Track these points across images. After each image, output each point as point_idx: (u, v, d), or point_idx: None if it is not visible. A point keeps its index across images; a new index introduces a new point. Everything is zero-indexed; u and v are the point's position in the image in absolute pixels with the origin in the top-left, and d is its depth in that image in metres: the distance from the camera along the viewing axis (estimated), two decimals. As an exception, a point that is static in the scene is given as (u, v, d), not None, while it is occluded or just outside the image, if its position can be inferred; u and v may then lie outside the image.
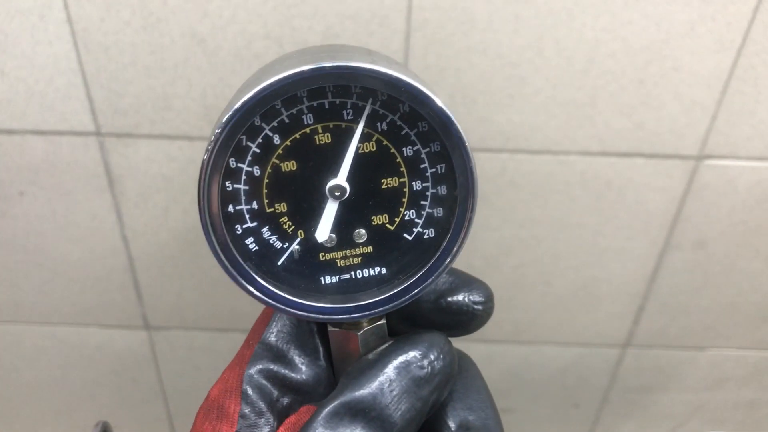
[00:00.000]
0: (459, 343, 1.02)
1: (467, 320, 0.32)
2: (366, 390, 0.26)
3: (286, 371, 0.31)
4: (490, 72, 0.77)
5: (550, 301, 0.99)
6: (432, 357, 0.27)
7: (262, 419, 0.29)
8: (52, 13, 0.74)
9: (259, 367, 0.30)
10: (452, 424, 0.29)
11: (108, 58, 0.76)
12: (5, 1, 0.73)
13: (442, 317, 0.31)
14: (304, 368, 0.31)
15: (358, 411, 0.26)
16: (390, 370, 0.26)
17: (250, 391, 0.29)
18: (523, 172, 0.85)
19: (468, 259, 0.95)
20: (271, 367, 0.30)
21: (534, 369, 1.08)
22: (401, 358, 0.26)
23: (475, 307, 0.31)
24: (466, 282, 0.32)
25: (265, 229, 0.27)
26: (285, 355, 0.31)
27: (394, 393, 0.26)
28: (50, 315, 1.01)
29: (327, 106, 0.27)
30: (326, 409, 0.26)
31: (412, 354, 0.27)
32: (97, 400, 1.11)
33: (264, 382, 0.29)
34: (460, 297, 0.31)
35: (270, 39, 0.75)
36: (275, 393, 0.29)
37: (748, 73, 0.77)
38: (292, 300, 0.27)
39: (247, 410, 0.29)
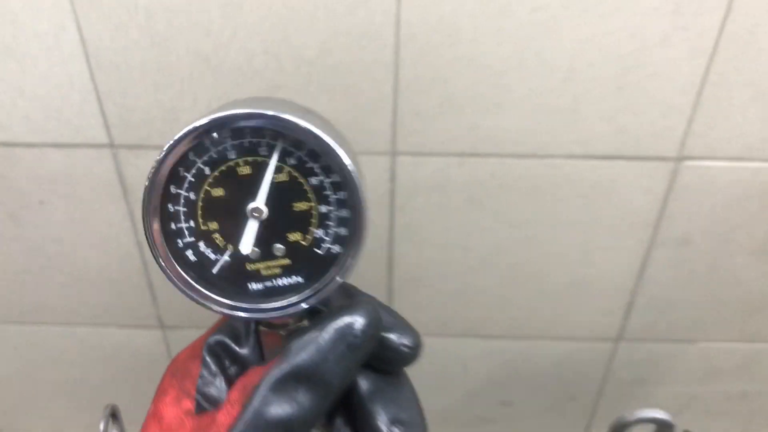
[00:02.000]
0: (455, 339, 1.07)
1: (392, 357, 0.36)
2: (307, 357, 0.31)
3: (236, 347, 0.36)
4: (476, 81, 0.82)
5: (543, 298, 1.03)
6: (364, 326, 0.32)
7: (216, 379, 0.34)
8: (67, 35, 0.80)
9: (217, 338, 0.35)
10: (386, 418, 0.34)
11: (119, 75, 0.82)
12: (23, 24, 0.79)
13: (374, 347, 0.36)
14: (248, 349, 0.37)
15: (300, 377, 0.31)
16: (328, 340, 0.31)
17: (208, 357, 0.35)
18: (512, 175, 0.90)
19: (464, 259, 1.00)
20: (226, 341, 0.35)
21: (530, 363, 1.13)
22: (338, 328, 0.31)
23: (402, 348, 0.35)
24: (402, 326, 0.37)
25: (201, 243, 0.32)
26: (239, 336, 0.37)
27: (332, 359, 0.31)
28: (70, 316, 1.07)
29: (246, 144, 0.33)
30: (273, 375, 0.31)
31: (347, 323, 0.32)
32: (115, 396, 1.17)
33: (219, 351, 0.35)
34: (392, 336, 0.36)
35: (269, 54, 0.80)
36: (227, 362, 0.35)
37: (720, 79, 0.81)
38: (225, 302, 0.33)
39: (205, 372, 0.34)
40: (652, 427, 0.75)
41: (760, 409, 1.20)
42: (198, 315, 1.05)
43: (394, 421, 0.34)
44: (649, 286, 1.02)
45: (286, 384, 0.31)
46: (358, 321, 0.32)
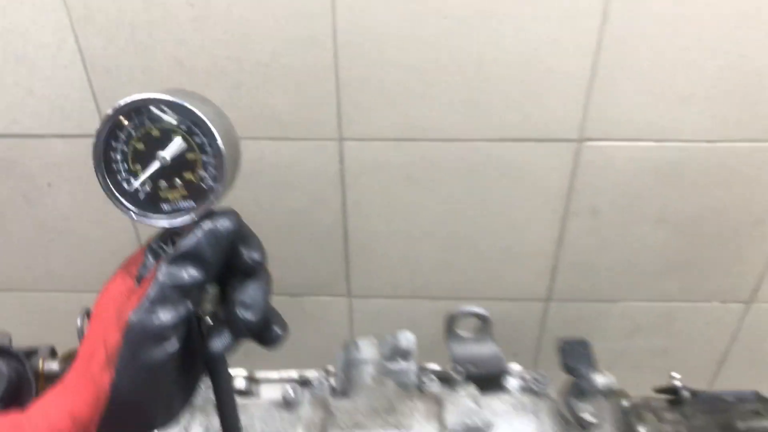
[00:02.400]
0: (405, 301, 1.22)
1: (245, 264, 0.50)
2: (190, 243, 0.47)
3: (165, 247, 0.52)
4: (404, 78, 0.99)
5: (478, 263, 1.20)
6: (226, 222, 0.48)
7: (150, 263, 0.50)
8: (67, 45, 0.98)
9: (154, 242, 0.51)
10: (235, 301, 0.50)
11: (110, 77, 1.00)
12: (31, 37, 0.97)
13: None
14: (170, 248, 0.53)
15: (187, 256, 0.48)
16: (204, 230, 0.48)
17: (148, 253, 0.51)
18: (441, 157, 1.07)
19: (408, 230, 1.16)
20: (159, 243, 0.52)
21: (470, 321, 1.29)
22: (210, 226, 0.48)
23: (248, 260, 0.50)
24: (255, 243, 0.51)
25: (131, 178, 0.49)
26: (165, 241, 0.52)
27: (206, 243, 0.47)
28: (76, 283, 1.26)
29: (156, 116, 0.49)
30: (170, 257, 0.48)
31: (216, 220, 0.48)
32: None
33: (155, 248, 0.51)
34: (243, 249, 0.50)
35: (231, 59, 0.98)
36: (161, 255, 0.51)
37: (608, 73, 0.97)
38: (149, 216, 0.49)
39: (146, 262, 0.51)
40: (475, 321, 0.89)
41: (680, 364, 1.36)
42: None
43: (239, 304, 0.50)
44: (568, 252, 1.18)
45: (178, 262, 0.47)
46: (222, 219, 0.49)
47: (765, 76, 0.97)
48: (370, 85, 0.99)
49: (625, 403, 0.88)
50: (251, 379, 0.67)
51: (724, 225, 1.13)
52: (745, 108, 1.01)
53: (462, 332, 0.66)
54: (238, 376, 0.66)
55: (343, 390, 0.63)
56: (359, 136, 1.05)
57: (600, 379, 0.68)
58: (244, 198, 1.12)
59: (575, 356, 0.64)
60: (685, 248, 1.17)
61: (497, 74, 0.98)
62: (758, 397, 0.90)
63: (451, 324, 0.65)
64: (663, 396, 0.92)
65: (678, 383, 0.92)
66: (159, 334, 0.45)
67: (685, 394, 0.90)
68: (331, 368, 0.72)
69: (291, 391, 0.61)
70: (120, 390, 0.45)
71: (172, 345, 0.46)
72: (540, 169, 1.07)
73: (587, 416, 0.59)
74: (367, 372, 0.65)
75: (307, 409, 0.61)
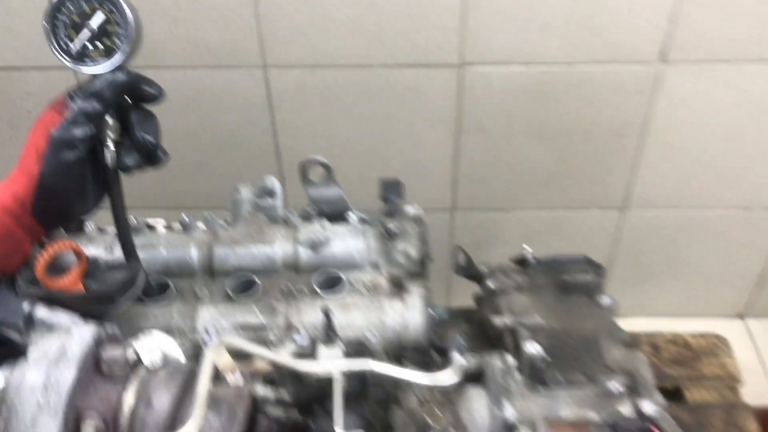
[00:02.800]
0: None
1: (144, 95, 0.72)
2: (96, 86, 0.69)
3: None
4: (313, 12, 1.21)
5: (387, 174, 1.42)
6: (121, 76, 0.70)
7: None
8: (37, -10, 1.21)
9: (73, 88, 0.73)
10: (136, 129, 0.72)
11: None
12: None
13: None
14: None
15: (93, 94, 0.69)
16: (106, 79, 0.69)
17: (69, 96, 0.74)
18: (347, 82, 1.29)
19: (330, 148, 1.39)
20: (76, 89, 0.73)
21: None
22: (110, 76, 0.70)
23: (148, 93, 0.72)
24: (153, 84, 0.72)
25: (68, 41, 0.71)
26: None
27: (107, 87, 0.69)
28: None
29: None
30: (82, 95, 0.70)
31: (115, 75, 0.70)
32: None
33: (73, 93, 0.73)
34: (146, 86, 0.72)
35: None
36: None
37: (475, 3, 1.19)
38: (78, 66, 0.71)
39: (69, 101, 0.73)
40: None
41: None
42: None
43: (140, 130, 0.72)
44: (464, 165, 1.40)
45: (87, 98, 0.68)
46: (119, 72, 0.70)
47: (611, 5, 1.18)
48: (287, 18, 1.22)
49: (485, 267, 1.11)
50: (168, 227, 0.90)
51: (590, 139, 1.35)
52: (595, 34, 1.22)
53: (314, 179, 0.88)
54: (159, 220, 0.88)
55: (231, 224, 0.86)
56: (281, 64, 1.28)
57: (410, 209, 0.90)
58: (189, 120, 1.34)
59: (389, 190, 0.85)
60: (561, 160, 1.39)
61: (387, 6, 1.19)
62: (586, 260, 1.12)
63: (304, 172, 0.87)
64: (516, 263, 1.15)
65: (528, 254, 1.14)
66: (70, 143, 0.68)
67: (531, 260, 1.13)
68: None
69: (185, 217, 0.84)
70: (45, 177, 0.68)
71: (79, 152, 0.69)
72: (431, 91, 1.29)
73: (392, 227, 0.81)
74: (245, 208, 0.88)
75: (199, 232, 0.84)
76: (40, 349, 0.62)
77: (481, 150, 1.38)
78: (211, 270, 0.81)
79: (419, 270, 0.83)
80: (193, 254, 0.81)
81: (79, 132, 0.68)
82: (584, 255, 1.13)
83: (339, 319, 0.73)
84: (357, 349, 0.72)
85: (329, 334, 0.70)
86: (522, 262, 1.14)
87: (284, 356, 0.67)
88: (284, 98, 1.32)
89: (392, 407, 0.87)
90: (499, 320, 1.02)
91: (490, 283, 1.10)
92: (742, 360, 1.59)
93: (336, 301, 0.76)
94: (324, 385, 0.74)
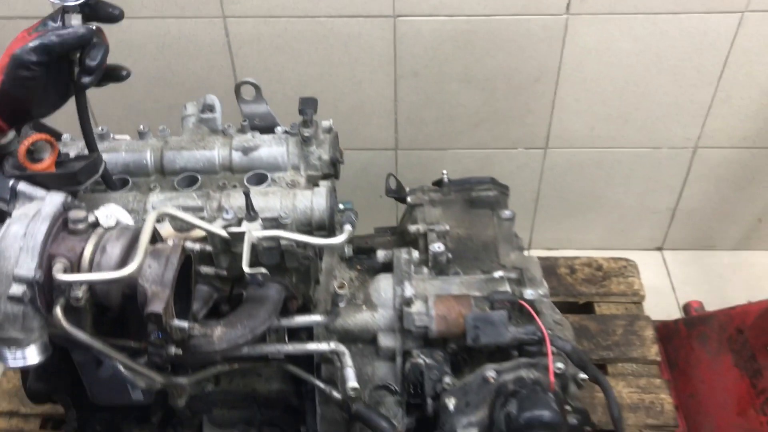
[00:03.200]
0: None
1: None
2: (60, 30, 0.87)
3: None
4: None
5: (337, 120, 1.61)
6: (78, 31, 0.88)
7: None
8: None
9: (44, 19, 0.91)
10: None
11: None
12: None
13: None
14: None
15: (55, 32, 0.87)
16: (69, 30, 0.88)
17: (41, 25, 0.91)
18: (297, 31, 1.47)
19: (283, 90, 1.57)
20: (47, 20, 0.91)
21: (343, 173, 1.71)
22: (71, 30, 0.88)
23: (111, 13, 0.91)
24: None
25: None
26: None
27: (65, 32, 0.87)
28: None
29: None
30: (49, 29, 0.88)
31: (76, 30, 0.88)
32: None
33: (45, 21, 0.91)
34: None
35: None
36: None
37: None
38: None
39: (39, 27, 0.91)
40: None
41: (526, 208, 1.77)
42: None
43: (87, 58, 0.89)
44: (403, 108, 1.59)
45: (50, 32, 0.86)
46: (76, 28, 0.87)
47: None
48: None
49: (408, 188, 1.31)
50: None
51: (512, 83, 1.54)
52: (509, -12, 1.41)
53: (247, 97, 1.06)
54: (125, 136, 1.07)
55: (180, 134, 1.05)
56: (239, 14, 1.46)
57: (323, 122, 1.09)
58: (159, 65, 1.53)
59: (306, 105, 1.03)
60: (488, 104, 1.58)
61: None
62: (492, 180, 1.32)
63: (237, 92, 1.05)
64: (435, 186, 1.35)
65: (444, 176, 1.34)
66: (26, 64, 0.85)
67: (446, 181, 1.33)
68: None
69: (142, 127, 1.03)
70: (5, 86, 0.85)
71: (34, 72, 0.86)
72: (369, 39, 1.48)
73: (306, 132, 1.00)
74: (191, 121, 1.07)
75: (153, 140, 1.03)
76: (21, 211, 0.82)
77: (416, 93, 1.57)
78: (162, 170, 1.01)
79: (331, 171, 1.02)
80: (148, 157, 1.00)
81: (34, 58, 0.86)
82: (490, 177, 1.33)
83: (259, 203, 0.93)
84: (273, 224, 0.92)
85: (249, 211, 0.89)
86: (439, 183, 1.34)
87: (213, 226, 0.87)
88: (242, 45, 1.51)
89: (312, 284, 1.08)
90: (414, 227, 1.23)
91: (410, 199, 1.30)
92: (656, 285, 1.80)
93: (258, 191, 0.96)
94: (252, 259, 0.94)
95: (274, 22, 1.47)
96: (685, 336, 1.49)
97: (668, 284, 1.83)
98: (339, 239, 0.91)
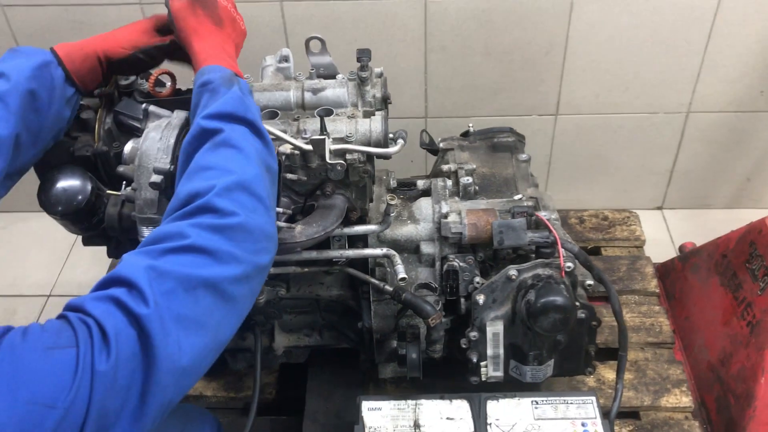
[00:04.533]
0: None
1: None
2: None
3: None
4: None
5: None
6: None
7: None
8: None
9: None
10: None
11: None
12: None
13: None
14: None
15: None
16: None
17: None
18: (340, 13, 1.73)
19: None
20: None
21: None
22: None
23: None
24: None
25: None
26: None
27: None
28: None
29: None
30: None
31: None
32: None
33: None
34: None
35: None
36: None
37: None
38: None
39: None
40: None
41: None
42: None
43: None
44: (433, 79, 1.84)
45: None
46: None
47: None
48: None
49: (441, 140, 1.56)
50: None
51: (526, 56, 1.79)
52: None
53: (314, 50, 1.31)
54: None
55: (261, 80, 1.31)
56: (292, -1, 1.73)
57: (376, 69, 1.34)
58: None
59: (363, 54, 1.26)
60: (505, 74, 1.83)
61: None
62: (510, 130, 1.57)
63: (307, 46, 1.30)
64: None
65: (470, 128, 1.58)
66: None
67: (471, 131, 1.57)
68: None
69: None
70: None
71: None
72: (404, 18, 1.73)
73: (363, 74, 1.24)
74: (270, 70, 1.32)
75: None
76: (155, 123, 1.07)
77: (443, 66, 1.82)
78: (249, 107, 1.27)
79: (382, 106, 1.27)
80: (238, 97, 1.26)
81: None
82: (509, 127, 1.58)
83: (329, 127, 1.18)
84: (341, 142, 1.17)
85: (323, 131, 1.15)
86: (466, 134, 1.59)
87: (296, 140, 1.12)
88: (296, 25, 1.77)
89: (367, 201, 1.33)
90: (446, 167, 1.48)
91: (442, 145, 1.55)
92: (657, 239, 2.03)
93: (327, 119, 1.21)
94: (323, 176, 1.19)
95: (323, 5, 1.73)
96: (680, 270, 1.72)
97: (668, 238, 2.06)
98: (394, 149, 1.16)
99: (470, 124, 1.59)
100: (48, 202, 1.06)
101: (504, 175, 1.49)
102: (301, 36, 1.81)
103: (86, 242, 1.18)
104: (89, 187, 1.08)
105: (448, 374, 1.41)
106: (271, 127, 1.11)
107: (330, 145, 1.12)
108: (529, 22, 1.73)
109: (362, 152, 1.14)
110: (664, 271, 1.80)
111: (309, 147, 1.12)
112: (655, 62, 1.78)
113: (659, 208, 2.13)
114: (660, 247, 1.98)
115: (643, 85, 1.83)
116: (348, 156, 1.16)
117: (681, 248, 1.82)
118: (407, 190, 1.43)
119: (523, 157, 1.53)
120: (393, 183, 1.42)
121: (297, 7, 1.74)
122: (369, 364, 1.45)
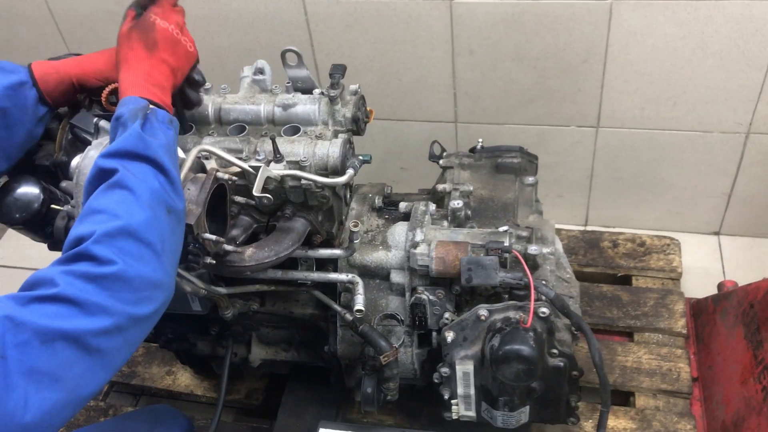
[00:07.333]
0: None
1: None
2: None
3: None
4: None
5: (399, 91, 1.78)
6: None
7: None
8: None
9: None
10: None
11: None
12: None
13: None
14: None
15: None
16: None
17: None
18: (363, 12, 1.65)
19: (352, 64, 1.76)
20: None
21: (407, 142, 1.88)
22: None
23: None
24: None
25: None
26: None
27: None
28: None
29: None
30: None
31: None
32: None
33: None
34: None
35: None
36: None
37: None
38: None
39: None
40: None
41: (561, 178, 1.88)
42: None
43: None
44: (461, 83, 1.74)
45: None
46: None
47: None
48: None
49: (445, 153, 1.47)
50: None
51: (561, 63, 1.65)
52: (558, -24, 1.52)
53: (291, 63, 1.25)
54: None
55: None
56: (314, -4, 1.67)
57: (351, 86, 1.26)
58: (248, 39, 1.77)
59: (336, 70, 1.18)
60: (539, 81, 1.69)
61: (389, -48, 1.55)
62: (519, 149, 1.45)
63: (283, 58, 1.24)
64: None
65: (479, 144, 1.48)
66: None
67: (479, 147, 1.47)
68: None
69: (208, 84, 1.26)
70: None
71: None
72: (428, 19, 1.64)
73: (331, 93, 1.18)
74: (246, 81, 1.28)
75: (214, 96, 1.26)
76: (98, 141, 1.07)
77: (472, 70, 1.71)
78: (220, 120, 1.23)
79: (353, 127, 1.20)
80: (209, 109, 1.23)
81: None
82: (519, 146, 1.46)
83: (286, 149, 1.13)
84: (296, 167, 1.11)
85: (276, 154, 1.10)
86: (473, 150, 1.49)
87: (241, 162, 1.08)
88: (318, 23, 1.72)
89: (336, 224, 1.27)
90: (441, 186, 1.39)
91: (441, 162, 1.46)
92: (708, 268, 1.84)
93: (287, 139, 1.15)
94: (284, 197, 1.15)
95: (345, 3, 1.66)
96: (711, 312, 1.55)
97: (720, 268, 1.86)
98: (340, 179, 1.09)
99: (480, 140, 1.49)
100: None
101: (503, 200, 1.38)
102: (323, 34, 1.78)
103: (51, 247, 1.20)
104: (41, 197, 1.10)
105: (437, 399, 1.34)
106: (212, 147, 1.07)
107: (270, 172, 1.07)
108: (562, 28, 1.59)
109: (308, 180, 1.09)
110: (697, 309, 1.63)
111: (252, 171, 1.08)
112: (706, 76, 1.59)
113: (716, 233, 1.93)
114: (709, 277, 1.79)
115: (694, 100, 1.64)
116: (303, 180, 1.11)
117: (719, 286, 1.64)
118: (393, 210, 1.36)
119: (530, 180, 1.42)
120: (378, 202, 1.35)
121: (320, 4, 1.68)
122: (341, 386, 1.40)
